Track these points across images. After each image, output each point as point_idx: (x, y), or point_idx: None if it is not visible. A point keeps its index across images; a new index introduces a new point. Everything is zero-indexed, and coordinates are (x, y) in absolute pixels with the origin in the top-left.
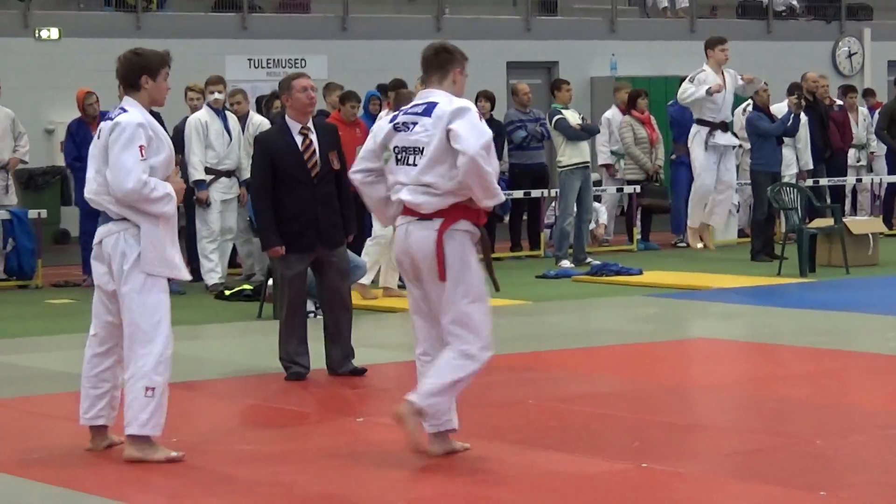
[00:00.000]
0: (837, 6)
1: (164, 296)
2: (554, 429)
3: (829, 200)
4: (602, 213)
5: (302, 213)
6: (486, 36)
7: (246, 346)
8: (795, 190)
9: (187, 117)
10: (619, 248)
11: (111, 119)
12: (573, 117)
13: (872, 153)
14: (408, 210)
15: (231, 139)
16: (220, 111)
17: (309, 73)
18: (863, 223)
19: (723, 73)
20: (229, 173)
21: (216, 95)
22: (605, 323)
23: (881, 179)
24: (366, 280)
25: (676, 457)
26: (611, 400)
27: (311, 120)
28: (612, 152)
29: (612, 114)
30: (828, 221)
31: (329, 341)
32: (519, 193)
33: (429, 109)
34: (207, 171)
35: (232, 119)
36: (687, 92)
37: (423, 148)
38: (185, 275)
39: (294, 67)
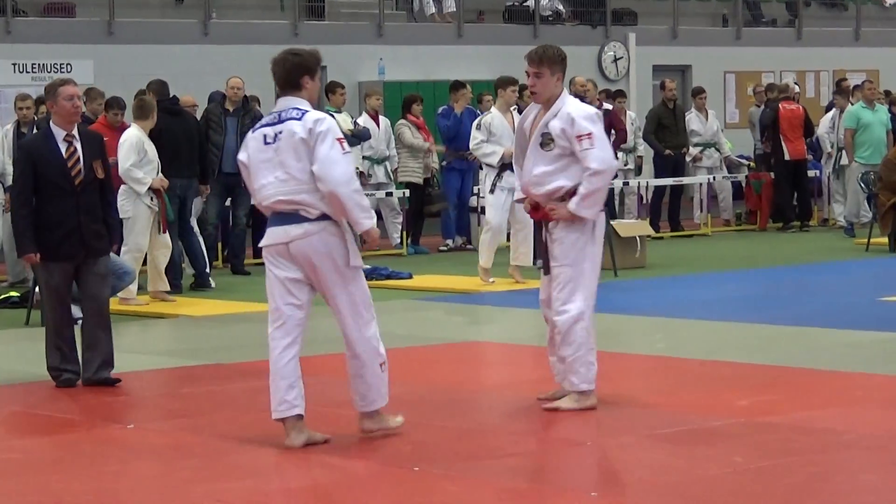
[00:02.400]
0: (603, 11)
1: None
2: (327, 433)
3: None
4: None
5: (64, 222)
6: (254, 41)
7: (13, 353)
8: None
9: None
10: (388, 253)
11: (296, 119)
12: (345, 121)
13: (640, 157)
14: None
15: None
16: None
17: (75, 77)
18: (630, 226)
19: (511, 114)
20: None
21: None
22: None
23: (647, 182)
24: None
25: (449, 460)
26: None
27: (76, 128)
28: (365, 157)
29: (364, 120)
30: None
31: (86, 348)
32: None
33: None
34: None
35: None
36: (480, 148)
37: None
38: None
39: (60, 72)
